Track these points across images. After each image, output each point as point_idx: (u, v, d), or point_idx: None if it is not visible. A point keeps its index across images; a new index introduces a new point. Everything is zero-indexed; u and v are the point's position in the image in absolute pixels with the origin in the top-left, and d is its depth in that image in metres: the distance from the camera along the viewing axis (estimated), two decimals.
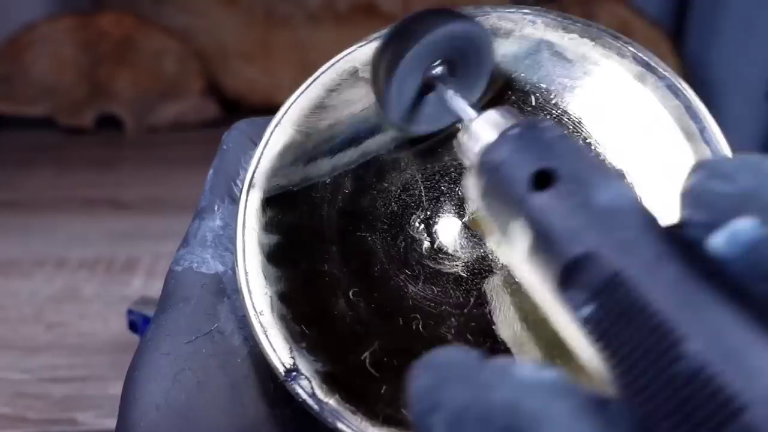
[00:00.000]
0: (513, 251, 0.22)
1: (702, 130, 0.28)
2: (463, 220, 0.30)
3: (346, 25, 1.18)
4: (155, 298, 0.55)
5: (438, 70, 0.27)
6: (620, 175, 0.21)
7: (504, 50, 0.31)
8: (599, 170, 0.21)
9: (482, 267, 0.30)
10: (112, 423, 0.51)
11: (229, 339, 0.29)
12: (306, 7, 1.19)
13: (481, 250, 0.30)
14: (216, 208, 0.32)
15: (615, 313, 0.18)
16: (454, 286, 0.29)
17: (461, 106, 0.26)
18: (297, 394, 0.27)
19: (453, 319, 0.29)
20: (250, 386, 0.29)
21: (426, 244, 0.30)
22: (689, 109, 0.28)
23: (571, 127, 0.30)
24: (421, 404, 0.18)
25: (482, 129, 0.24)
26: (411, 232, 0.30)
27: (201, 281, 0.30)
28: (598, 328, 0.18)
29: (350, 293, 0.29)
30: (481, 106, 0.26)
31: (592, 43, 0.30)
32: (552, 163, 0.21)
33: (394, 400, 0.27)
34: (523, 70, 0.30)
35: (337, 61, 0.31)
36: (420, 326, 0.28)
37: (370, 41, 0.31)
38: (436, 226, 0.30)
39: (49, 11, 1.18)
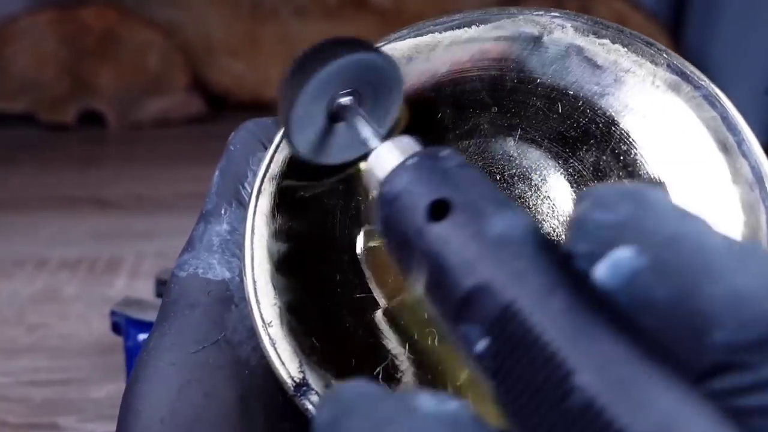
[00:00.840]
0: (415, 288, 0.21)
1: (740, 142, 0.27)
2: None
3: (336, 18, 1.17)
4: (139, 299, 0.54)
5: (346, 99, 0.26)
6: (518, 204, 0.21)
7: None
8: (495, 199, 0.20)
9: None
10: (94, 427, 0.50)
11: (237, 349, 0.28)
12: (294, 0, 1.18)
13: None
14: (223, 212, 0.31)
15: (509, 347, 0.17)
16: None
17: (366, 134, 0.25)
18: (306, 410, 0.25)
19: None
20: (259, 399, 0.28)
21: None
22: (726, 119, 0.27)
23: (598, 135, 0.28)
24: None
25: (384, 158, 0.23)
26: None
27: (207, 288, 0.29)
28: (492, 364, 0.18)
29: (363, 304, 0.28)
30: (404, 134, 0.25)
31: (625, 49, 0.28)
32: (448, 193, 0.20)
33: None
34: (549, 76, 0.29)
35: None
36: (435, 340, 0.27)
37: (391, 41, 0.29)
38: None
39: (30, 4, 1.17)
